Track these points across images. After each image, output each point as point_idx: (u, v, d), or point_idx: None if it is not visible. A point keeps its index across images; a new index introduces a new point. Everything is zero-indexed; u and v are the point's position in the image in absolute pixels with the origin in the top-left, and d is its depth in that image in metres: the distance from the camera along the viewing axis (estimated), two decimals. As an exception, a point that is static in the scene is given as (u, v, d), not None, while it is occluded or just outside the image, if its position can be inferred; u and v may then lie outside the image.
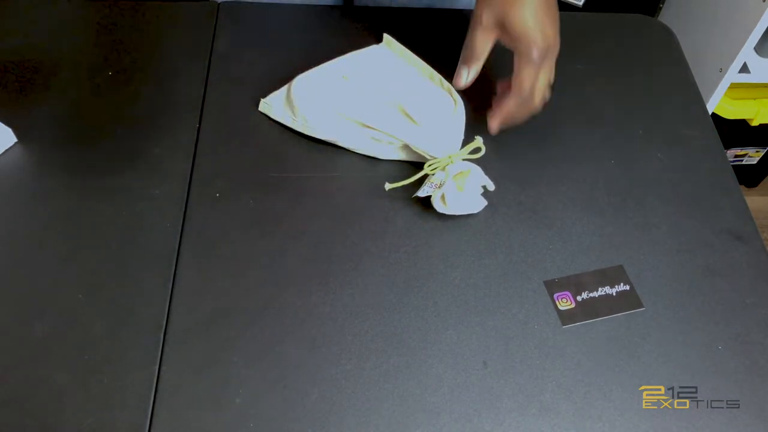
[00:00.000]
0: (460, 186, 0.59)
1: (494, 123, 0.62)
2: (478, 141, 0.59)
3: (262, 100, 0.68)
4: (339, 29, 0.77)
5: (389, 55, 0.69)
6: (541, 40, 0.56)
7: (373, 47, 0.70)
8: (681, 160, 0.69)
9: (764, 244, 0.63)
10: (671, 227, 0.63)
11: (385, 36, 0.70)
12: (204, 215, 0.60)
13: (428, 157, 0.61)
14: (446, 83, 0.65)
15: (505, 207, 0.63)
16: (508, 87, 0.60)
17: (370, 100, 0.64)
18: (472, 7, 0.83)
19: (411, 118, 0.61)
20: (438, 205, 0.59)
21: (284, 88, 0.67)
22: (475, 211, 0.61)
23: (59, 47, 0.71)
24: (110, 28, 0.74)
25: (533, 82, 0.58)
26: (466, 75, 0.60)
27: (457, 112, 0.63)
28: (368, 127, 0.62)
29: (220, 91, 0.69)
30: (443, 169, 0.59)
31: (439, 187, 0.59)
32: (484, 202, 0.61)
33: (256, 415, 0.50)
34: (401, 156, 0.64)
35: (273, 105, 0.67)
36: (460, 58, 0.61)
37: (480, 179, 0.60)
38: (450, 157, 0.60)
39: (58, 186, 0.61)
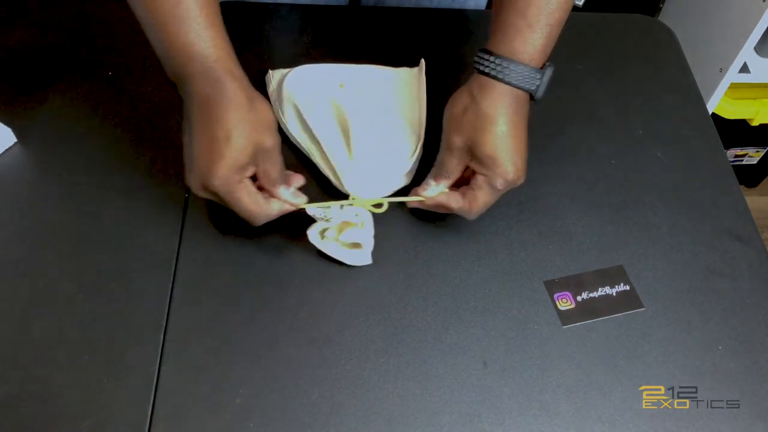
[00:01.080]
0: (341, 231, 0.57)
1: (419, 197, 0.58)
2: (386, 202, 0.57)
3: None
4: (344, 30, 0.77)
5: (405, 83, 0.67)
6: (512, 172, 0.54)
7: (404, 70, 0.69)
8: (681, 160, 0.69)
9: (764, 244, 0.63)
10: (671, 227, 0.63)
11: (422, 61, 0.68)
12: (204, 215, 0.60)
13: (338, 187, 0.59)
14: (419, 150, 0.62)
15: (505, 207, 0.63)
16: (457, 185, 0.58)
17: (334, 114, 0.63)
18: (481, 8, 0.83)
19: (349, 149, 0.60)
20: (314, 237, 0.57)
21: (285, 71, 0.67)
22: (348, 263, 0.57)
23: (59, 47, 0.71)
24: (110, 29, 0.74)
25: (484, 208, 0.56)
26: (432, 189, 0.57)
27: (402, 177, 0.61)
28: (316, 138, 0.62)
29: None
30: (341, 207, 0.57)
31: (326, 220, 0.56)
32: (366, 260, 0.58)
33: (256, 415, 0.50)
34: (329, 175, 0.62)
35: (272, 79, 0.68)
36: (431, 172, 0.58)
37: (362, 238, 0.56)
38: (353, 199, 0.58)
39: (58, 186, 0.61)
